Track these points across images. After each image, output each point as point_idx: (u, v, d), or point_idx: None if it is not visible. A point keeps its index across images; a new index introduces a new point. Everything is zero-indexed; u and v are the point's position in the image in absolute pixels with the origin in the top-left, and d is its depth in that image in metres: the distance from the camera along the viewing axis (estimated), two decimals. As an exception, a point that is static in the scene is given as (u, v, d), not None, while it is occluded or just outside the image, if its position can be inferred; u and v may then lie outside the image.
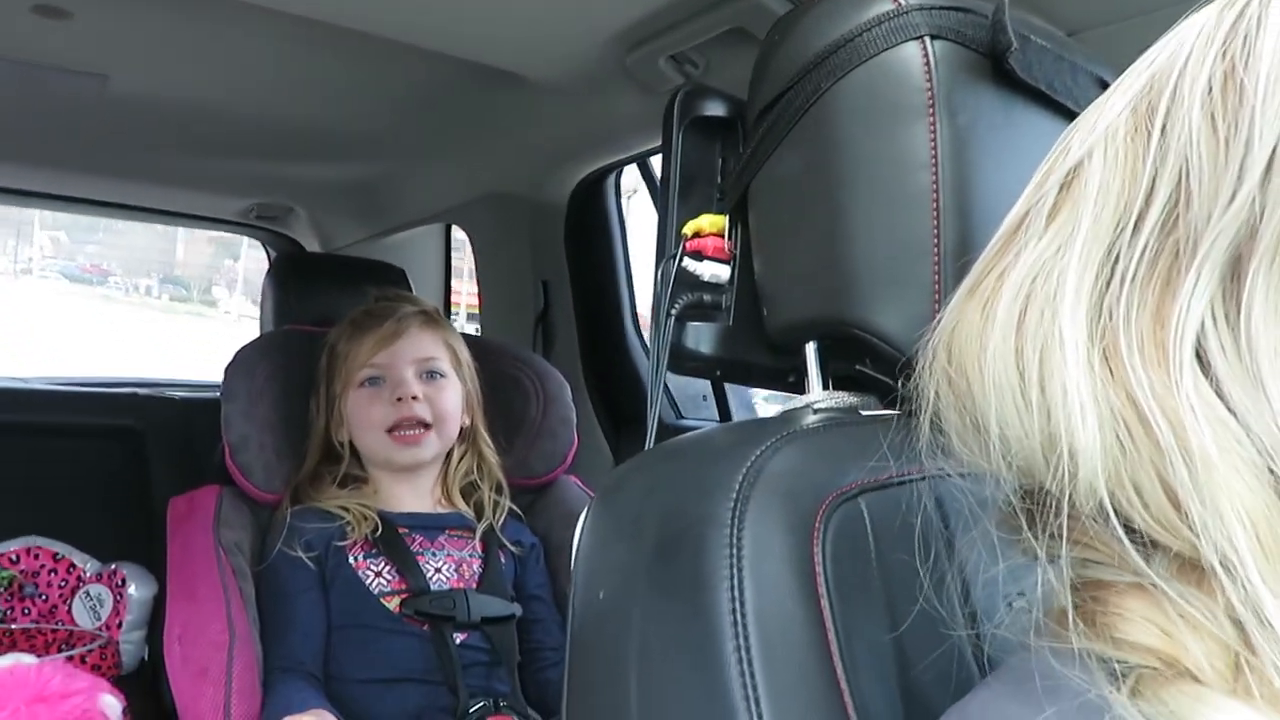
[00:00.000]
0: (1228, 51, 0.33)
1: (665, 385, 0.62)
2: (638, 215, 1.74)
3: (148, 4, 1.14)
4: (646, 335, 1.74)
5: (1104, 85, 0.56)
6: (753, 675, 0.39)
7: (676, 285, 0.61)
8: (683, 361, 0.62)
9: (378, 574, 1.21)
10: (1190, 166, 0.33)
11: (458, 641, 1.18)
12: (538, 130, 1.45)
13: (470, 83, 1.31)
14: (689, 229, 0.62)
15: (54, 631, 1.59)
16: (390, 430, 1.25)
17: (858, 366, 0.58)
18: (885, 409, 0.58)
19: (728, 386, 1.55)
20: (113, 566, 1.64)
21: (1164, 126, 0.34)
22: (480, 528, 1.29)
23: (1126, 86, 0.36)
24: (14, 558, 1.61)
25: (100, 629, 1.59)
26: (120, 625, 1.58)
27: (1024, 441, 0.35)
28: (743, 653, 0.40)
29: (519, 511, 1.36)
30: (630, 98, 1.22)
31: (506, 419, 1.41)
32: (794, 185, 0.56)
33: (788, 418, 0.55)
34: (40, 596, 1.62)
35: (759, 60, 0.60)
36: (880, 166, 0.52)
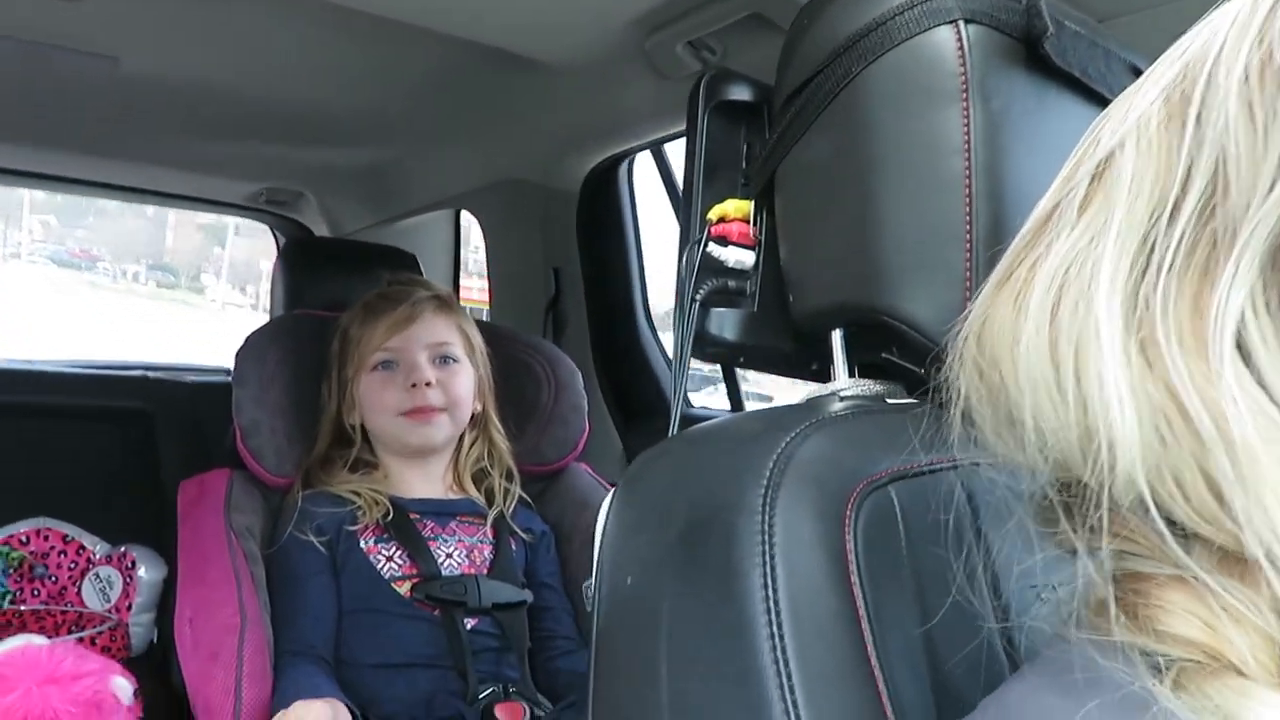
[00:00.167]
0: (1264, 39, 0.32)
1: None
2: (648, 203, 1.73)
3: (161, -15, 1.13)
4: (659, 323, 1.73)
5: (1137, 72, 0.56)
6: (787, 663, 0.39)
7: (701, 270, 0.60)
8: (705, 347, 0.62)
9: (389, 559, 1.21)
10: (1227, 155, 0.32)
11: (468, 627, 1.18)
12: (551, 116, 1.44)
13: (484, 67, 1.30)
14: (714, 214, 0.62)
15: (63, 613, 1.59)
16: (404, 414, 1.25)
17: (884, 355, 0.57)
18: (911, 397, 0.58)
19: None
20: (122, 549, 1.64)
21: (1199, 115, 0.33)
22: (491, 514, 1.29)
23: (1158, 76, 0.36)
24: (24, 539, 1.61)
25: (110, 611, 1.60)
26: (130, 608, 1.59)
27: (1060, 434, 0.35)
28: (776, 640, 0.39)
29: (529, 499, 1.36)
30: (646, 83, 1.22)
31: (518, 405, 1.40)
32: (823, 170, 0.56)
33: (814, 405, 0.55)
34: (50, 578, 1.62)
35: (787, 44, 0.59)
36: (912, 151, 0.52)
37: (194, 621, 1.10)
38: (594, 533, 1.15)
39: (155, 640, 1.62)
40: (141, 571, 1.60)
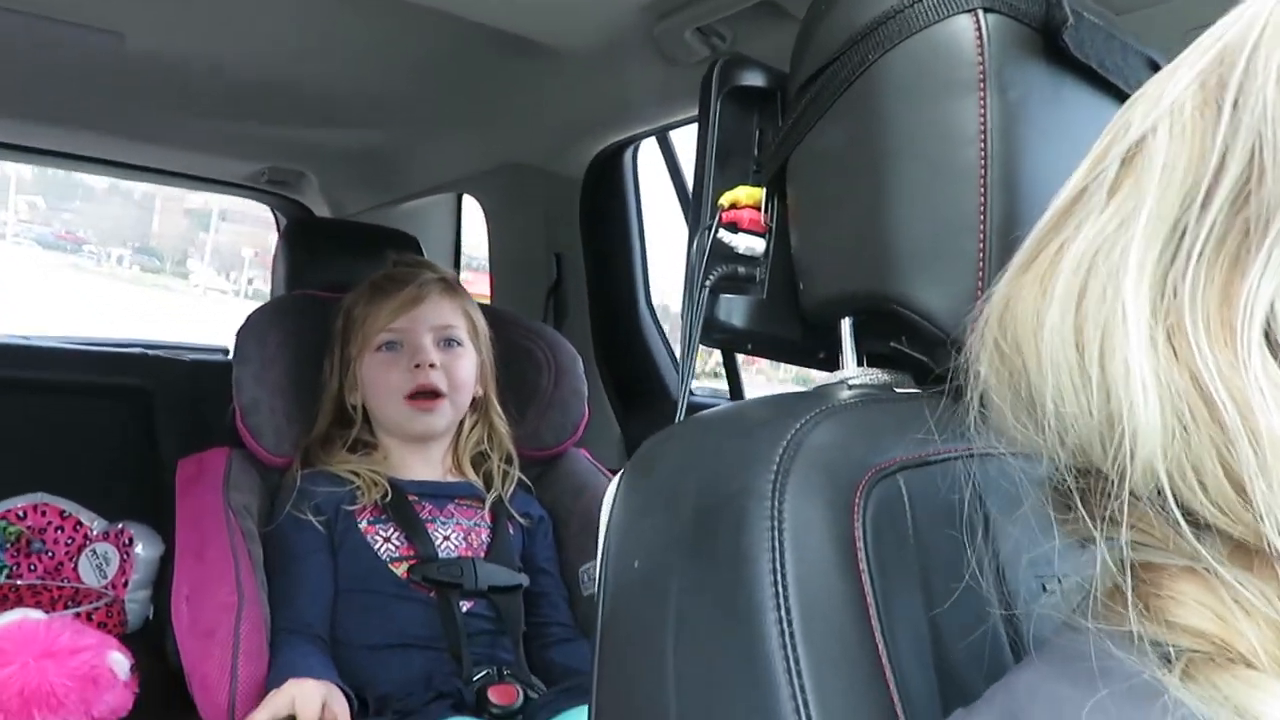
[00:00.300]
0: None
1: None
2: (651, 192, 1.73)
3: (168, -40, 1.13)
4: (660, 310, 1.73)
5: (1154, 66, 0.56)
6: (794, 648, 0.39)
7: (711, 257, 0.60)
8: (713, 333, 0.62)
9: (386, 540, 1.21)
10: (1264, 143, 0.32)
11: (464, 609, 1.18)
12: (557, 100, 1.43)
13: (490, 50, 1.30)
14: (725, 200, 0.62)
15: (60, 588, 1.59)
16: (407, 397, 1.25)
17: (893, 344, 0.57)
18: (919, 387, 0.58)
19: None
20: (120, 525, 1.64)
21: (1236, 101, 0.33)
22: (489, 498, 1.29)
23: (1193, 61, 0.35)
24: (21, 514, 1.61)
25: (106, 587, 1.60)
26: (126, 584, 1.59)
27: (1081, 421, 0.34)
28: (784, 625, 0.40)
29: (528, 483, 1.36)
30: (654, 69, 1.21)
31: (518, 389, 1.40)
32: (837, 158, 0.55)
33: (822, 393, 0.55)
34: (47, 553, 1.62)
35: (802, 30, 0.59)
36: (927, 141, 0.52)
37: (191, 599, 1.10)
38: (592, 518, 1.15)
39: (151, 617, 1.62)
40: (139, 548, 1.60)
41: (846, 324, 0.58)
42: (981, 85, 0.51)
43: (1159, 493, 0.32)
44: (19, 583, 1.57)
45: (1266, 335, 0.31)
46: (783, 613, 0.40)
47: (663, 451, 0.51)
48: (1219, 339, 0.31)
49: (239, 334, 1.32)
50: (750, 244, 0.61)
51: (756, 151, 0.63)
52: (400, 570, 1.19)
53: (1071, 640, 0.35)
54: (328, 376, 1.31)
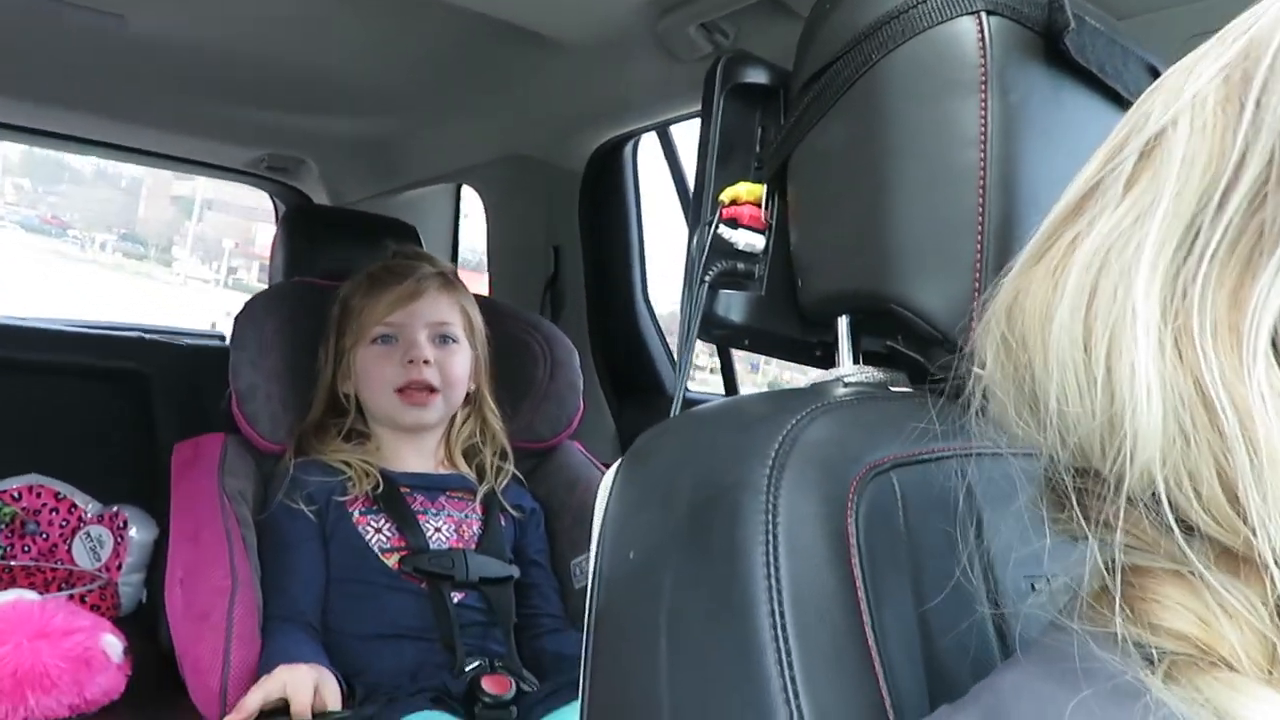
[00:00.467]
0: None
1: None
2: (651, 189, 1.73)
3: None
4: (658, 305, 1.74)
5: (1154, 72, 0.56)
6: (786, 641, 0.40)
7: (711, 252, 0.61)
8: (712, 329, 0.62)
9: (377, 530, 1.21)
10: None
11: (455, 601, 1.18)
12: (559, 93, 1.43)
13: (493, 41, 1.30)
14: (726, 196, 0.62)
15: (53, 570, 1.60)
16: (398, 390, 1.25)
17: (889, 343, 0.58)
18: (914, 386, 0.58)
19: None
20: (114, 508, 1.64)
21: (1259, 99, 0.32)
22: (481, 490, 1.29)
23: (1218, 53, 0.34)
24: (16, 495, 1.61)
25: (100, 570, 1.60)
26: (120, 567, 1.59)
27: (1083, 421, 0.34)
28: (777, 618, 0.40)
29: (520, 476, 1.37)
30: (656, 64, 1.21)
31: (514, 382, 1.41)
32: (838, 157, 0.56)
33: (818, 389, 0.55)
34: (41, 535, 1.62)
35: (806, 29, 0.59)
36: (928, 141, 0.52)
37: (185, 583, 1.10)
38: (585, 511, 1.15)
39: (144, 600, 1.62)
40: (133, 532, 1.60)
41: (844, 322, 0.58)
42: (983, 87, 0.51)
43: (1153, 497, 0.32)
44: (13, 564, 1.57)
45: (1274, 342, 0.31)
46: (775, 606, 0.40)
47: (659, 445, 0.52)
48: (1225, 344, 0.31)
49: (236, 319, 1.32)
50: (750, 240, 0.61)
51: (758, 148, 0.63)
52: (391, 561, 1.19)
53: (1057, 640, 0.35)
54: (322, 365, 1.31)
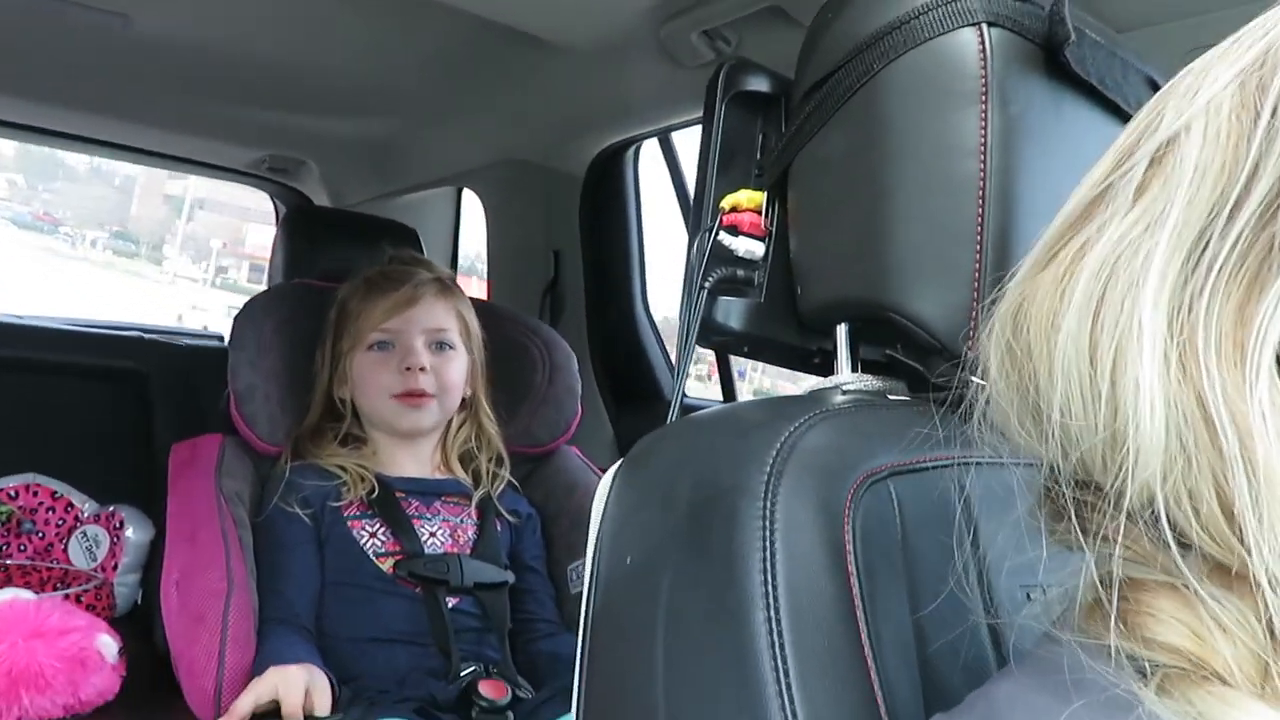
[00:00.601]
0: None
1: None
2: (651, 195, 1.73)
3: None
4: (657, 311, 1.74)
5: (1154, 86, 0.56)
6: (782, 647, 0.40)
7: (711, 259, 0.61)
8: (710, 335, 0.62)
9: (372, 535, 1.21)
10: None
11: (450, 606, 1.18)
12: (560, 98, 1.44)
13: (495, 45, 1.30)
14: (726, 203, 0.62)
15: (49, 569, 1.59)
16: (394, 396, 1.26)
17: (887, 351, 0.58)
18: (912, 395, 0.58)
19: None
20: (111, 508, 1.64)
21: (1275, 108, 0.31)
22: (477, 495, 1.29)
23: (1234, 58, 0.33)
24: (12, 493, 1.61)
25: (96, 570, 1.60)
26: (116, 567, 1.58)
27: (1086, 434, 0.33)
28: (773, 624, 0.40)
29: (515, 482, 1.36)
30: (658, 70, 1.22)
31: (513, 385, 1.41)
32: (838, 165, 0.56)
33: (817, 397, 0.56)
34: (37, 534, 1.62)
35: (808, 37, 0.60)
36: (928, 151, 0.52)
37: (181, 584, 1.10)
38: (582, 516, 1.15)
39: (140, 601, 1.62)
40: (129, 532, 1.60)
41: (842, 330, 0.58)
42: (983, 98, 0.51)
43: (1152, 513, 0.32)
44: (8, 562, 1.57)
45: (1279, 359, 0.30)
46: (772, 611, 0.40)
47: (658, 448, 0.52)
48: (1229, 360, 0.30)
49: (236, 319, 1.32)
50: (750, 247, 0.61)
51: (759, 155, 0.64)
52: (386, 565, 1.19)
53: (1051, 651, 0.35)
54: (318, 369, 1.31)
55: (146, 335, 1.94)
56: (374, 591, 1.17)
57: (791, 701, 0.39)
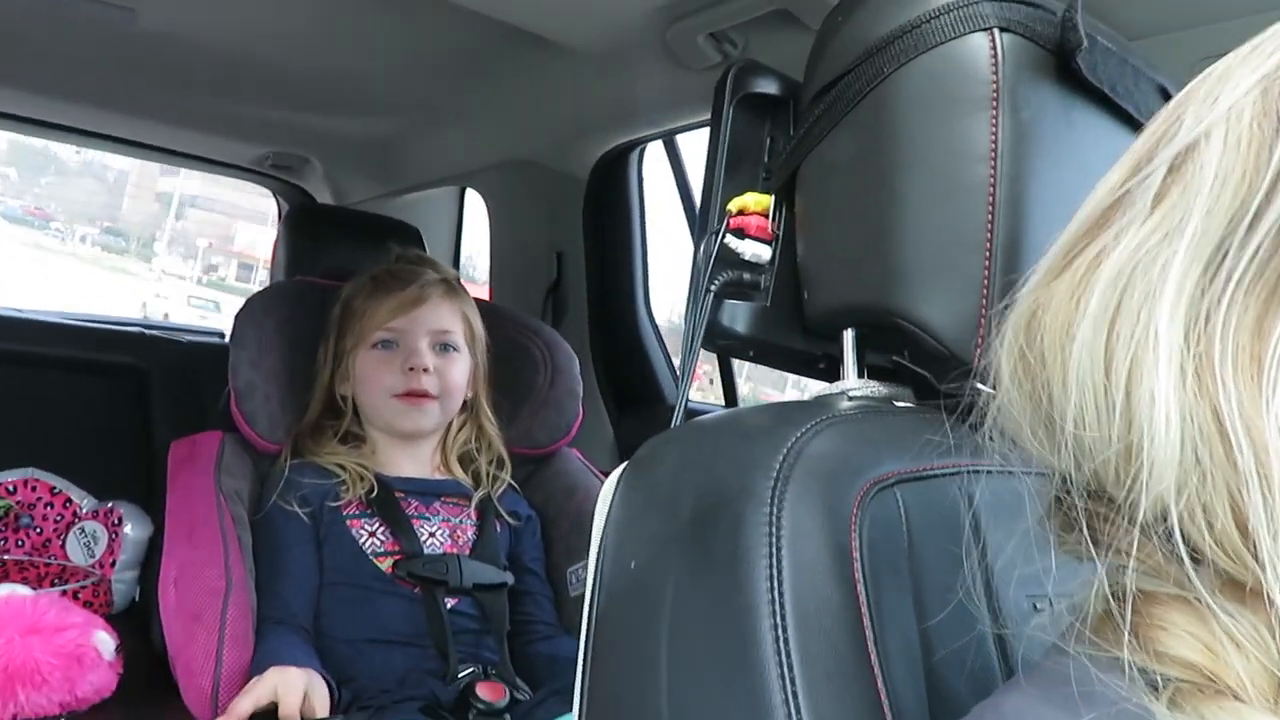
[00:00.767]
0: None
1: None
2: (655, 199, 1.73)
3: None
4: (659, 314, 1.74)
5: (1166, 94, 0.56)
6: (788, 654, 0.39)
7: (717, 262, 0.61)
8: (716, 339, 0.62)
9: (371, 534, 1.20)
10: None
11: (448, 607, 1.18)
12: (565, 99, 1.44)
13: (501, 45, 1.30)
14: (733, 206, 0.62)
15: (47, 565, 1.59)
16: (396, 395, 1.25)
17: (894, 357, 0.57)
18: (919, 402, 0.58)
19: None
20: (110, 505, 1.64)
21: None
22: (477, 496, 1.29)
23: (1255, 64, 0.32)
24: (11, 488, 1.61)
25: (93, 566, 1.59)
26: (114, 564, 1.58)
27: (1100, 446, 0.33)
28: (779, 630, 0.40)
29: (515, 485, 1.36)
30: (663, 73, 1.21)
31: (514, 387, 1.40)
32: (847, 169, 0.56)
33: (823, 403, 0.55)
34: (35, 529, 1.61)
35: (818, 40, 0.59)
36: (938, 156, 0.52)
37: (179, 582, 1.10)
38: (583, 518, 1.14)
39: (138, 598, 1.61)
40: (128, 529, 1.60)
41: (849, 335, 0.58)
42: (994, 104, 0.51)
43: (1165, 525, 0.31)
44: (5, 558, 1.57)
45: None
46: (778, 618, 0.40)
47: (663, 452, 0.51)
48: (1246, 373, 0.30)
49: (237, 316, 1.32)
50: (756, 251, 0.61)
51: (766, 158, 0.63)
52: (385, 565, 1.18)
53: (1060, 663, 0.35)
54: (320, 366, 1.31)
55: (147, 331, 1.94)
56: (372, 591, 1.17)
57: (797, 710, 0.39)
